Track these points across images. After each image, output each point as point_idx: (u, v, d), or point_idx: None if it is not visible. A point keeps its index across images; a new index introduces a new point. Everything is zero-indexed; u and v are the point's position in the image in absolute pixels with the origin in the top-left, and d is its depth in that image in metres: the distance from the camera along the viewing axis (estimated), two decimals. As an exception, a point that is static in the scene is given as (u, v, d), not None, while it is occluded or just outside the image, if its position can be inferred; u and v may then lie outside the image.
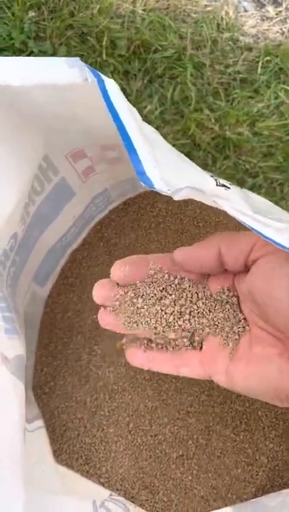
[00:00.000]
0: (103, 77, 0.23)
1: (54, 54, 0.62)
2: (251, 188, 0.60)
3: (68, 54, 0.62)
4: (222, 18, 0.64)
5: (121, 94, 0.23)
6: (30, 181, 0.35)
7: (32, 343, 0.47)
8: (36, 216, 0.39)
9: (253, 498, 0.43)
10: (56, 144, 0.36)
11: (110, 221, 0.50)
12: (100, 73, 0.23)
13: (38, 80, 0.24)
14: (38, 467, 0.40)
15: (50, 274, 0.47)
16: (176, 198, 0.21)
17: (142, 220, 0.50)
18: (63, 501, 0.37)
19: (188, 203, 0.50)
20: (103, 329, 0.47)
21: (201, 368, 0.30)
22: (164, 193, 0.21)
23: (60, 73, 0.23)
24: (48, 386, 0.46)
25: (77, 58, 0.24)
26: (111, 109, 0.22)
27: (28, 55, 0.61)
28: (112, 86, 0.23)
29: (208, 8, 0.65)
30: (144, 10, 0.64)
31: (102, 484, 0.43)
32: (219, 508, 0.42)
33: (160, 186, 0.20)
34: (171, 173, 0.22)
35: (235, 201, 0.24)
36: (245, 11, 0.66)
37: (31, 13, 0.62)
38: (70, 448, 0.44)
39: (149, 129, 0.25)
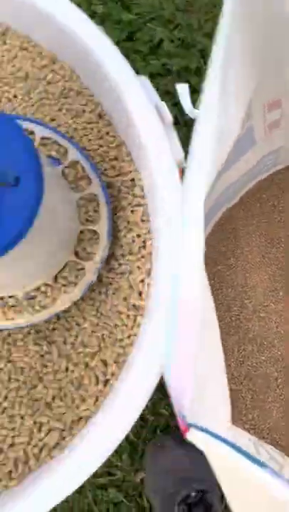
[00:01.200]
0: None
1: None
2: None
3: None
4: None
5: None
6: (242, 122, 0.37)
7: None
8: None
9: None
10: (262, 90, 0.38)
11: (270, 183, 0.50)
12: None
13: None
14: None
15: (210, 220, 0.48)
16: None
17: (303, 186, 0.50)
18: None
19: None
20: (255, 286, 0.47)
21: None
22: None
23: None
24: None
25: None
26: None
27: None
28: None
29: None
30: None
31: (248, 430, 0.43)
32: None
33: None
34: None
35: None
36: None
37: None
38: (213, 393, 0.45)
39: None
